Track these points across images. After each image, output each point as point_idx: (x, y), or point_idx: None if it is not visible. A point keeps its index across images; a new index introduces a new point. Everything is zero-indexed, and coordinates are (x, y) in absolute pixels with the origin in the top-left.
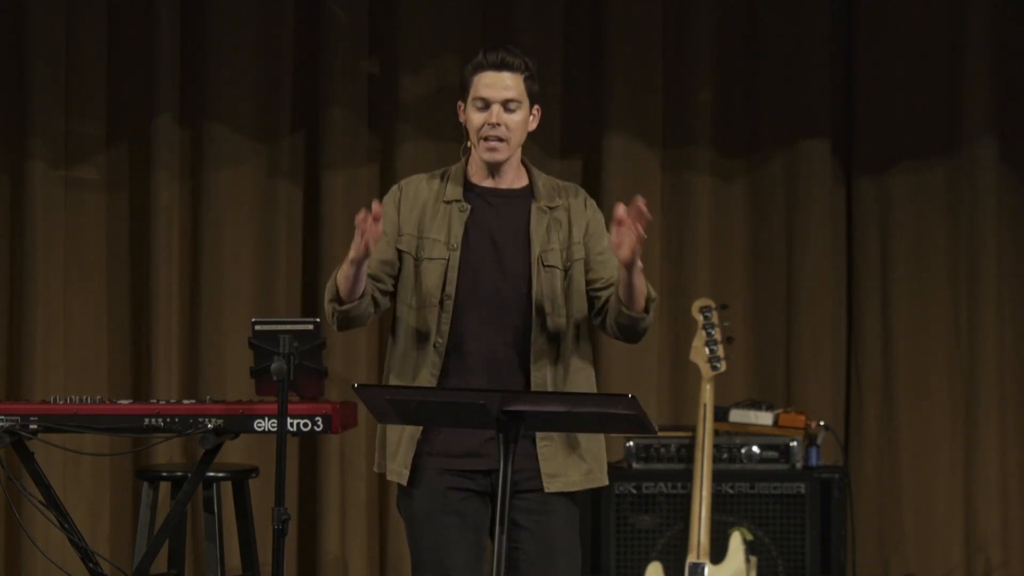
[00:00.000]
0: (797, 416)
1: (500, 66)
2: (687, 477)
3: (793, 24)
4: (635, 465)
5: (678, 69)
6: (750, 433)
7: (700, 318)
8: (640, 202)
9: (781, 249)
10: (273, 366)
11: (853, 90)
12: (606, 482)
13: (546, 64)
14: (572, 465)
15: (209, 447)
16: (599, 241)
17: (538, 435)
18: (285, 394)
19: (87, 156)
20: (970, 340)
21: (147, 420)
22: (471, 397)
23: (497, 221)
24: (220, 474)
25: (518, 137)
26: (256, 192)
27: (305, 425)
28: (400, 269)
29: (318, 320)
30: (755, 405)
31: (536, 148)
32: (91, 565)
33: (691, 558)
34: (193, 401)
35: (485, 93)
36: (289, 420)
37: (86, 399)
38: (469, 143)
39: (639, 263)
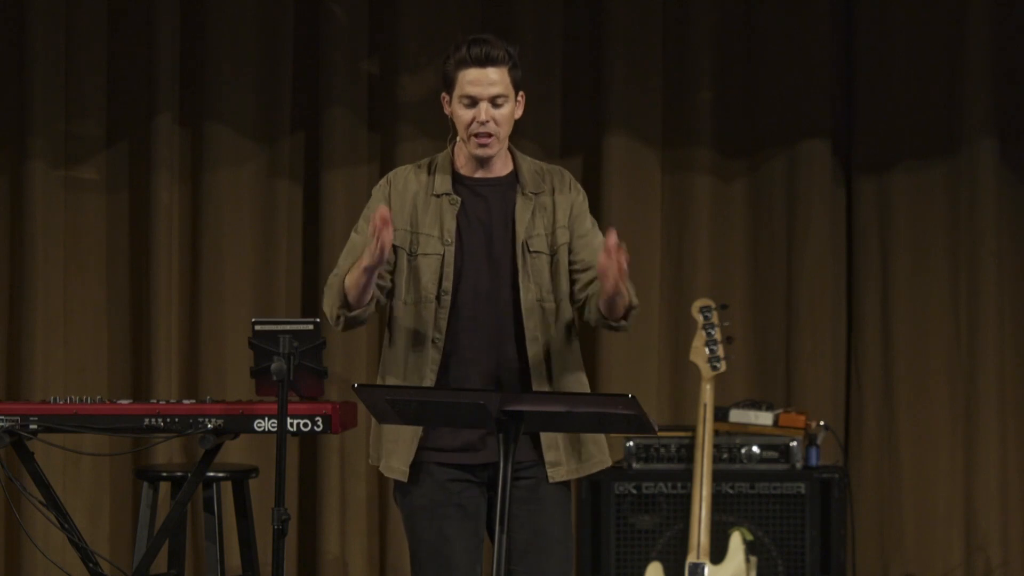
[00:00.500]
0: (797, 416)
1: (485, 62)
2: (687, 477)
3: (793, 24)
4: (635, 465)
5: (678, 69)
6: (750, 433)
7: (700, 318)
8: (613, 240)
9: (781, 249)
10: (273, 366)
11: (853, 90)
12: (609, 463)
13: (546, 64)
14: (573, 453)
15: (209, 447)
16: (582, 223)
17: None
18: (285, 394)
19: (87, 156)
20: (970, 340)
21: (147, 420)
22: (471, 397)
23: (487, 211)
24: (220, 474)
25: (507, 130)
26: (256, 192)
27: (305, 425)
28: (395, 264)
29: (318, 320)
30: (755, 405)
31: (536, 148)
32: (91, 565)
33: (691, 558)
34: (193, 401)
35: (472, 91)
36: (289, 420)
37: (86, 399)
38: (457, 136)
39: (621, 288)
